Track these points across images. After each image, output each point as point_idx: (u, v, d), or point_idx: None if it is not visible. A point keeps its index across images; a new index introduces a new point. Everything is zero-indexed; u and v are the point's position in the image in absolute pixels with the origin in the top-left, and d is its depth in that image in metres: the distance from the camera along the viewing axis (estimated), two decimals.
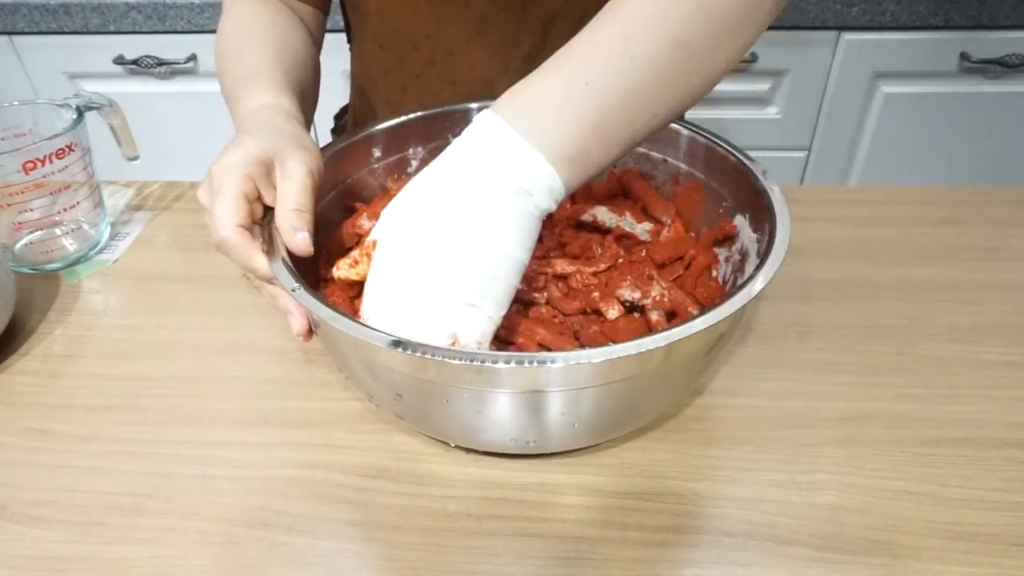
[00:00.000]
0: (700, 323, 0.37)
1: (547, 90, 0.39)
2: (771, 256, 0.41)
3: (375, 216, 0.49)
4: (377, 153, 0.57)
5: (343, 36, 0.80)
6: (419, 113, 0.58)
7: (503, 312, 0.41)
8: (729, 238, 0.51)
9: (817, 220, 0.67)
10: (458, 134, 0.61)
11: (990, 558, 0.40)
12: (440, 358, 0.35)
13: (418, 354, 0.36)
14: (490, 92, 0.61)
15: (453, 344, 0.39)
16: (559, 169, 0.38)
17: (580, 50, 0.39)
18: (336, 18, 0.75)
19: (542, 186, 0.38)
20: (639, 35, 0.38)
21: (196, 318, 0.59)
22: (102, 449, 0.49)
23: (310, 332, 0.44)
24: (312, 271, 0.50)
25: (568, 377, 0.37)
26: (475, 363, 0.35)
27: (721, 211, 0.52)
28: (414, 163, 0.59)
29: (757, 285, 0.39)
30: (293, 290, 0.40)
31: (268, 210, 0.45)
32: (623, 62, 0.38)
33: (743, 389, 0.51)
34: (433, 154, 0.59)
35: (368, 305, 0.41)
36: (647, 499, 0.44)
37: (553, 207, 0.40)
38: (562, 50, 0.40)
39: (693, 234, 0.55)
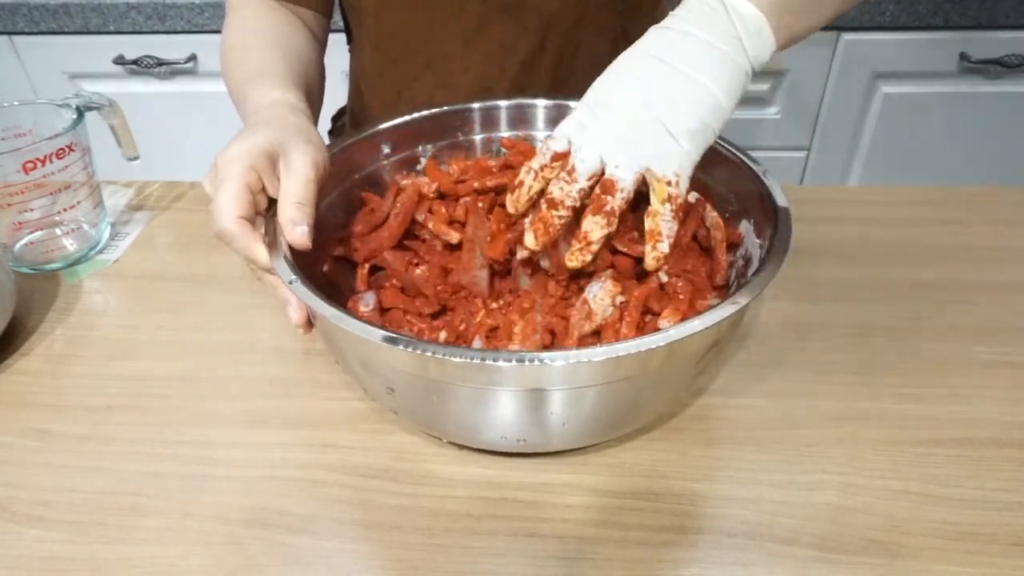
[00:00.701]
0: (700, 323, 0.37)
1: None
2: (772, 258, 0.41)
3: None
4: (386, 150, 0.57)
5: (342, 37, 0.80)
6: (429, 111, 0.58)
7: (701, 153, 0.42)
8: (733, 245, 0.51)
9: (817, 220, 0.67)
10: (467, 132, 0.61)
11: (990, 558, 0.40)
12: (441, 356, 0.36)
13: (416, 351, 0.36)
14: (485, 96, 0.61)
15: (642, 174, 0.41)
16: (769, 17, 0.40)
17: None
18: (337, 19, 0.75)
19: (754, 37, 0.41)
20: None
21: (196, 318, 0.59)
22: (102, 449, 0.49)
23: (309, 324, 0.44)
24: (328, 282, 0.50)
25: (569, 376, 0.37)
26: (475, 360, 0.35)
27: (728, 216, 0.52)
28: (423, 160, 0.59)
29: (757, 286, 0.39)
30: (290, 282, 0.40)
31: (272, 202, 0.45)
32: None
33: (743, 389, 0.51)
34: (442, 152, 0.60)
35: (574, 122, 0.43)
36: (647, 499, 0.44)
37: (765, 57, 0.42)
38: None
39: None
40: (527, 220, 0.45)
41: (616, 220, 0.42)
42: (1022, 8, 1.16)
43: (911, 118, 1.28)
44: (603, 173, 0.42)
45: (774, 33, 0.41)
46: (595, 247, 0.43)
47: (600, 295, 0.44)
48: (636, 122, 0.41)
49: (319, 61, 0.67)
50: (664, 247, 0.42)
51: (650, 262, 0.42)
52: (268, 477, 0.46)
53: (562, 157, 0.43)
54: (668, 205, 0.41)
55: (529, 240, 0.44)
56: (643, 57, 0.42)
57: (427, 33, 0.67)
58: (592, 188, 0.42)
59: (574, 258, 0.43)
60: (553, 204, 0.43)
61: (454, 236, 0.51)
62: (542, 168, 0.43)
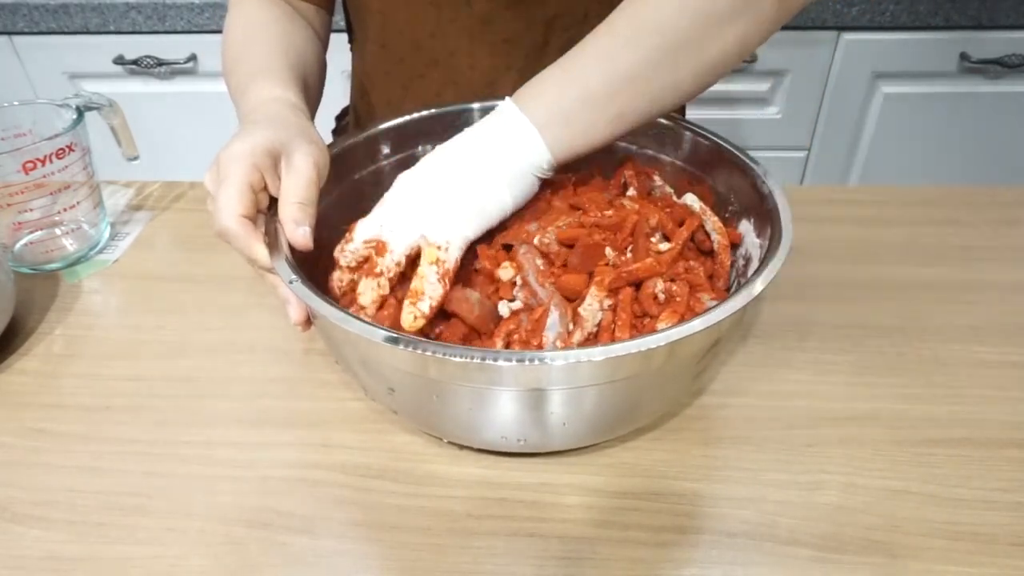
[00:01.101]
0: (700, 323, 0.37)
1: (544, 76, 0.46)
2: (772, 258, 0.41)
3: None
4: (386, 150, 0.57)
5: (344, 36, 0.80)
6: (428, 111, 0.58)
7: (478, 232, 0.45)
8: (734, 245, 0.51)
9: (817, 220, 0.67)
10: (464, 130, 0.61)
11: (990, 558, 0.40)
12: (441, 355, 0.36)
13: (418, 351, 0.36)
14: (492, 92, 0.61)
15: (419, 241, 0.43)
16: (543, 132, 0.45)
17: (576, 48, 0.46)
18: (337, 18, 0.75)
19: (529, 145, 0.45)
20: (622, 34, 0.44)
21: (196, 318, 0.59)
22: (102, 449, 0.49)
23: (308, 323, 0.44)
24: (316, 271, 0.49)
25: (569, 376, 0.37)
26: (474, 360, 0.35)
27: (728, 215, 0.52)
28: None
29: (757, 286, 0.39)
30: (290, 282, 0.41)
31: (274, 200, 0.45)
32: (605, 54, 0.45)
33: (743, 389, 0.51)
34: None
35: (377, 214, 0.45)
36: (647, 499, 0.44)
37: (540, 164, 0.46)
38: (570, 50, 0.46)
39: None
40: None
41: (387, 281, 0.44)
42: (1022, 8, 1.16)
43: (911, 118, 1.28)
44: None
45: (548, 146, 0.45)
46: (370, 309, 0.44)
47: (588, 301, 0.44)
48: (419, 202, 0.44)
49: (320, 57, 0.67)
50: (424, 306, 0.42)
51: (407, 319, 0.42)
52: (268, 477, 0.46)
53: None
54: (435, 267, 0.43)
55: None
56: (436, 166, 0.46)
57: (433, 29, 0.67)
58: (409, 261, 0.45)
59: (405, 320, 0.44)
60: (338, 266, 0.45)
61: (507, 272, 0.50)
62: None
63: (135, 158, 0.71)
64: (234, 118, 0.55)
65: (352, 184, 0.56)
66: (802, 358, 0.53)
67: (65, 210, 0.63)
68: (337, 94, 0.85)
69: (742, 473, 0.46)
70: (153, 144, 1.03)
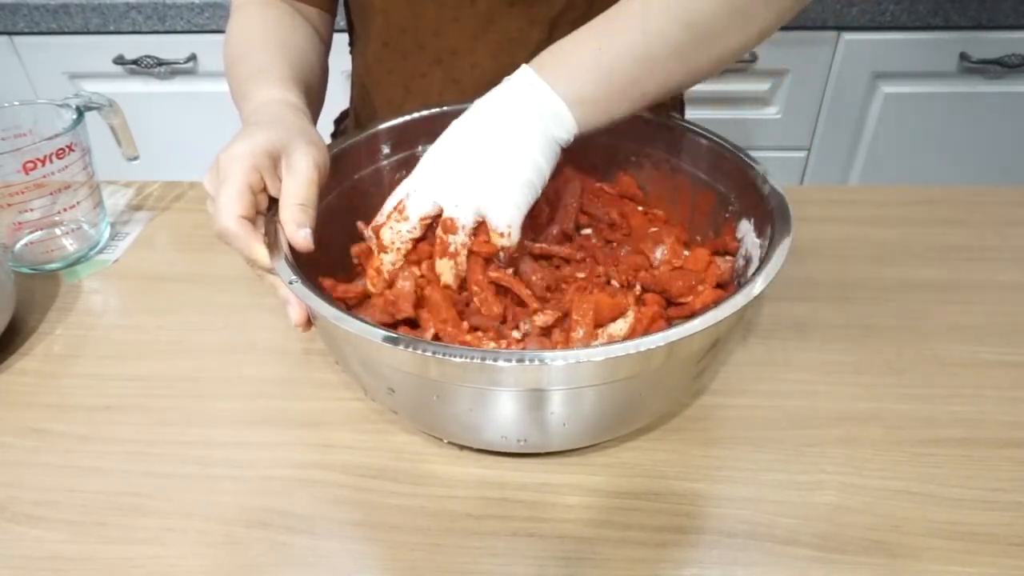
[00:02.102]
0: (700, 323, 0.37)
1: (569, 49, 0.47)
2: (772, 258, 0.41)
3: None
4: (385, 150, 0.57)
5: (344, 37, 0.80)
6: (428, 111, 0.58)
7: (526, 210, 0.45)
8: (730, 252, 0.51)
9: (817, 220, 0.67)
10: None
11: (990, 558, 0.40)
12: (441, 355, 0.36)
13: (418, 351, 0.36)
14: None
15: (479, 224, 0.44)
16: (571, 108, 0.45)
17: (602, 22, 0.47)
18: (338, 19, 0.75)
19: (558, 119, 0.45)
20: (654, 13, 0.45)
21: (196, 318, 0.59)
22: (102, 449, 0.49)
23: (308, 323, 0.44)
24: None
25: (569, 376, 0.37)
26: (475, 360, 0.35)
27: (727, 215, 0.52)
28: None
29: (757, 286, 0.39)
30: (291, 283, 0.41)
31: (273, 201, 0.45)
32: (635, 36, 0.45)
33: (743, 389, 0.51)
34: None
35: (416, 182, 0.46)
36: (647, 499, 0.44)
37: (567, 138, 0.46)
38: (594, 20, 0.47)
39: (699, 237, 0.55)
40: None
41: (463, 260, 0.45)
42: (1022, 8, 1.16)
43: (911, 118, 1.28)
44: (440, 215, 0.45)
45: (576, 121, 0.46)
46: (453, 286, 0.46)
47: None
48: (473, 172, 0.45)
49: (323, 60, 0.67)
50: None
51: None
52: (268, 477, 0.46)
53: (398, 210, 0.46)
54: (502, 255, 0.45)
55: (370, 287, 0.47)
56: (471, 134, 0.46)
57: (436, 27, 0.67)
58: (427, 230, 0.46)
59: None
60: (383, 248, 0.46)
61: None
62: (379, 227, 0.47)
63: (135, 158, 0.71)
64: (234, 118, 0.55)
65: (352, 184, 0.56)
66: (802, 358, 0.53)
67: (65, 210, 0.63)
68: (337, 96, 0.85)
69: (742, 473, 0.46)
70: (153, 144, 1.03)
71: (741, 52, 0.47)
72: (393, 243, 0.46)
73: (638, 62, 0.45)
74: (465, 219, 0.44)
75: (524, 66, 0.47)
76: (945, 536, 0.42)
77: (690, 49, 0.45)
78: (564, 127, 0.46)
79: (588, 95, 0.46)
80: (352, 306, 0.50)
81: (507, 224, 0.44)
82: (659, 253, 0.52)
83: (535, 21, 0.66)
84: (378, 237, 0.47)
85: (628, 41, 0.45)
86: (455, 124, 0.47)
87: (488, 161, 0.45)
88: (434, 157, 0.47)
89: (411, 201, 0.46)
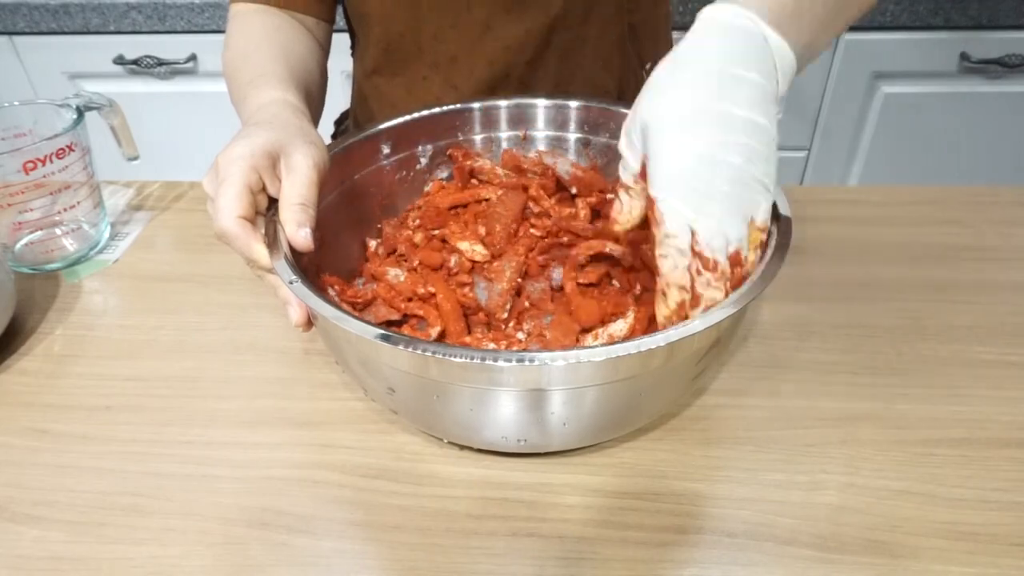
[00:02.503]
0: (700, 323, 0.37)
1: None
2: (772, 258, 0.41)
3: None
4: (386, 150, 0.57)
5: (345, 36, 0.80)
6: (428, 111, 0.58)
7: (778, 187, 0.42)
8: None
9: (817, 220, 0.67)
10: (466, 132, 0.62)
11: (990, 558, 0.40)
12: (441, 355, 0.36)
13: (418, 351, 0.36)
14: (492, 96, 0.61)
15: (750, 225, 0.40)
16: (798, 57, 0.41)
17: None
18: (339, 22, 0.75)
19: (787, 73, 0.41)
20: None
21: (196, 318, 0.59)
22: (102, 449, 0.49)
23: (309, 323, 0.44)
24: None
25: (569, 376, 0.37)
26: (475, 360, 0.35)
27: None
28: (423, 160, 0.59)
29: (757, 286, 0.39)
30: (291, 283, 0.41)
31: (273, 202, 0.45)
32: None
33: (743, 389, 0.51)
34: (441, 152, 0.60)
35: (668, 197, 0.40)
36: (647, 499, 0.44)
37: (785, 90, 0.42)
38: None
39: None
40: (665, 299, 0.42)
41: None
42: (1022, 8, 1.16)
43: (911, 118, 1.28)
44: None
45: (797, 70, 0.42)
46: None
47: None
48: (736, 193, 0.39)
49: (322, 66, 0.67)
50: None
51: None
52: (268, 477, 0.46)
53: (698, 254, 0.40)
54: (757, 251, 0.41)
55: (661, 316, 0.42)
56: (711, 111, 0.39)
57: (435, 34, 0.67)
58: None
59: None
60: (696, 302, 0.41)
61: (479, 254, 0.53)
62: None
63: (135, 158, 0.71)
64: (235, 118, 0.55)
65: (352, 184, 0.56)
66: (802, 358, 0.53)
67: (65, 210, 0.63)
68: (338, 98, 0.85)
69: (742, 473, 0.45)
70: (153, 144, 1.03)
71: None
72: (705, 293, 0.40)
73: None
74: (745, 251, 0.40)
75: (737, 8, 0.40)
76: (945, 536, 0.42)
77: None
78: (789, 77, 0.42)
79: (810, 40, 0.42)
80: (360, 308, 0.51)
81: (765, 221, 0.41)
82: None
83: (531, 28, 0.66)
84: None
85: None
86: (690, 107, 0.40)
87: (748, 166, 0.39)
88: (686, 173, 0.39)
89: (708, 250, 0.39)
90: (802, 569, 0.40)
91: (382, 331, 0.37)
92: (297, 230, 0.43)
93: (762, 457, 0.46)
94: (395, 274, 0.52)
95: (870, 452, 0.46)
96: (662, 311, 0.41)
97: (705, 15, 0.41)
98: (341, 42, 0.80)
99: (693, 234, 0.39)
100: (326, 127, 0.88)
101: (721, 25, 0.41)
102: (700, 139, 0.39)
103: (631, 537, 0.42)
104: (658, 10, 0.73)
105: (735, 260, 0.40)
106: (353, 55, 0.79)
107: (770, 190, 0.41)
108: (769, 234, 0.44)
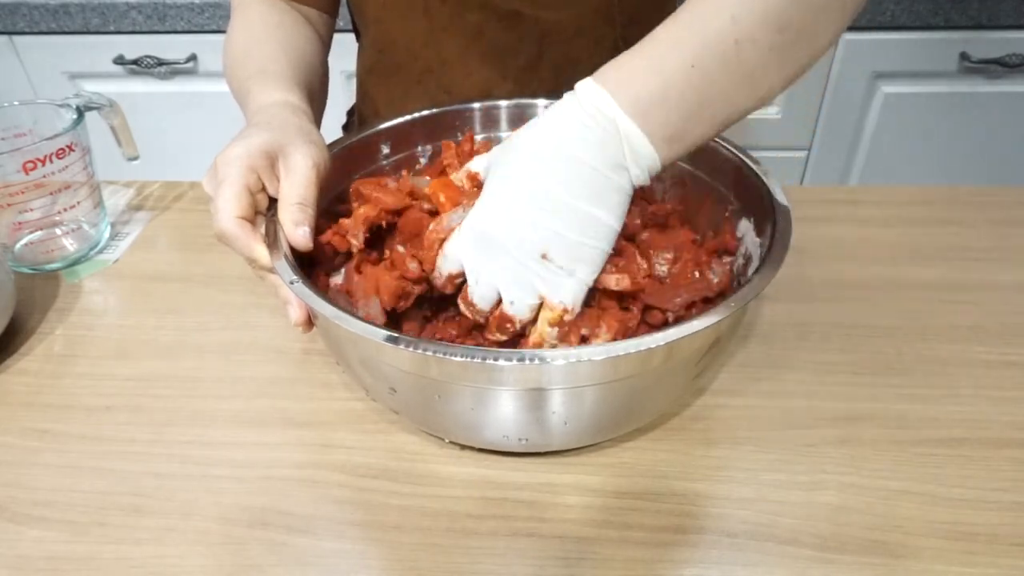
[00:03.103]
0: (700, 323, 0.37)
1: (652, 68, 0.38)
2: (772, 258, 0.41)
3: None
4: (385, 150, 0.57)
5: (350, 36, 0.80)
6: (427, 111, 0.58)
7: (595, 276, 0.41)
8: (729, 251, 0.51)
9: (817, 220, 0.67)
10: (465, 132, 0.61)
11: (990, 558, 0.40)
12: (441, 355, 0.36)
13: (418, 351, 0.36)
14: (487, 96, 0.61)
15: (540, 304, 0.40)
16: (658, 148, 0.39)
17: (682, 30, 0.39)
18: (347, 17, 0.75)
19: (642, 164, 0.39)
20: (743, 18, 0.37)
21: (196, 318, 0.59)
22: (102, 449, 0.49)
23: (309, 323, 0.44)
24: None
25: (569, 375, 0.37)
26: (476, 360, 0.35)
27: (727, 214, 0.52)
28: (422, 160, 0.59)
29: (757, 286, 0.39)
30: (291, 283, 0.41)
31: (273, 202, 0.45)
32: (727, 46, 0.37)
33: (743, 389, 0.51)
34: (441, 152, 0.59)
35: (459, 246, 0.42)
36: (647, 499, 0.44)
37: (646, 181, 0.40)
38: (661, 28, 0.39)
39: (699, 237, 0.55)
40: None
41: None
42: (1022, 8, 1.16)
43: (911, 118, 1.28)
44: (499, 303, 0.42)
45: (661, 163, 0.39)
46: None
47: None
48: (529, 262, 0.39)
49: (323, 60, 0.67)
50: None
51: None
52: (268, 477, 0.46)
53: (458, 281, 0.43)
54: (556, 329, 0.41)
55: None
56: (529, 187, 0.39)
57: (427, 38, 0.67)
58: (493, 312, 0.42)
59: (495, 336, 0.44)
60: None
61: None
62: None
63: (135, 158, 0.71)
64: (235, 118, 0.55)
65: (355, 182, 0.55)
66: (802, 358, 0.53)
67: (65, 210, 0.63)
68: (343, 95, 0.85)
69: (742, 473, 0.46)
70: (153, 144, 1.03)
71: (826, 50, 0.41)
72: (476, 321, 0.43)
73: (733, 76, 0.38)
74: (521, 314, 0.41)
75: (592, 85, 0.39)
76: (945, 536, 0.42)
77: (785, 54, 0.38)
78: (648, 172, 0.40)
79: (681, 128, 0.39)
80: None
81: (571, 301, 0.40)
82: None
83: (523, 37, 0.66)
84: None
85: (720, 53, 0.37)
86: (512, 176, 0.40)
87: (548, 246, 0.39)
88: (489, 229, 0.40)
89: (477, 296, 0.42)
90: (802, 569, 0.40)
91: (384, 331, 0.37)
92: (295, 228, 0.43)
93: (762, 457, 0.46)
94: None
95: (870, 452, 0.46)
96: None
97: (559, 103, 0.41)
98: (346, 40, 0.80)
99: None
100: (337, 121, 0.88)
101: (569, 108, 0.40)
102: (510, 211, 0.40)
103: (631, 537, 0.42)
104: (650, 23, 0.72)
105: (506, 319, 0.41)
106: (358, 51, 0.79)
107: (579, 277, 0.40)
108: (771, 234, 0.44)
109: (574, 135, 0.39)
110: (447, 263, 0.43)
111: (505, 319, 0.41)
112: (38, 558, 0.42)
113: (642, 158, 0.39)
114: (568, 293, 0.40)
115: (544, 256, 0.39)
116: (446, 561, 0.41)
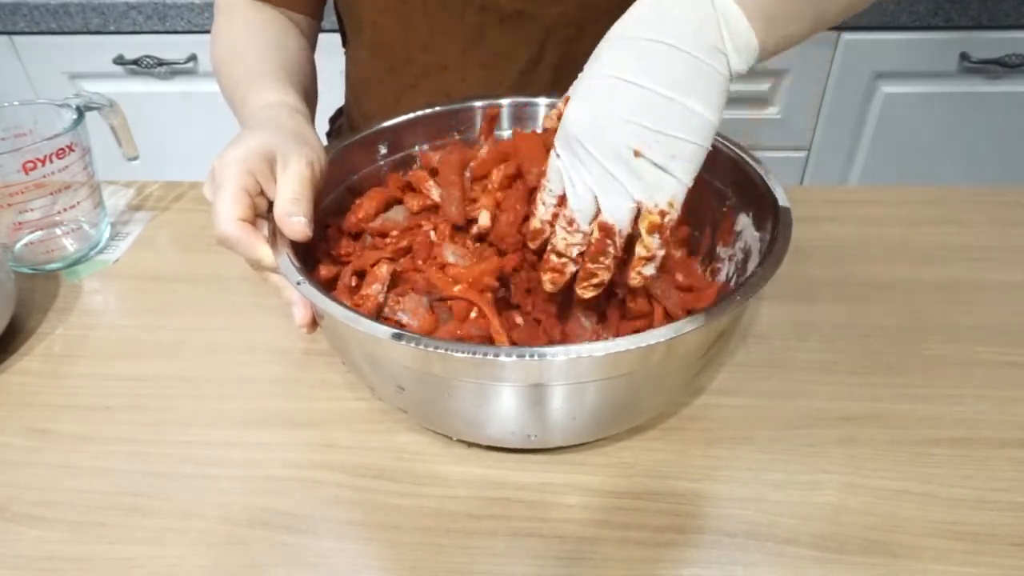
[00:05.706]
0: (701, 320, 0.37)
1: None
2: (772, 258, 0.41)
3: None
4: (383, 150, 0.57)
5: (337, 36, 0.79)
6: (425, 111, 0.58)
7: (693, 176, 0.39)
8: (727, 244, 0.51)
9: (817, 220, 0.67)
10: (463, 132, 0.61)
11: (990, 558, 0.40)
12: (444, 351, 0.36)
13: (421, 347, 0.36)
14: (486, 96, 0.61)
15: (637, 207, 0.39)
16: (756, 27, 0.37)
17: None
18: (331, 18, 0.75)
19: (739, 44, 0.38)
20: None
21: (196, 318, 0.59)
22: (102, 449, 0.49)
23: (313, 324, 0.44)
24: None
25: (570, 371, 0.37)
26: (477, 356, 0.35)
27: (725, 209, 0.52)
28: (420, 160, 0.59)
29: (757, 286, 0.39)
30: (298, 283, 0.41)
31: (272, 204, 0.45)
32: None
33: (743, 389, 0.51)
34: (438, 151, 0.59)
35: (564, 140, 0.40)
36: (647, 499, 0.44)
37: (744, 69, 0.39)
38: None
39: (697, 233, 0.55)
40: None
41: (616, 261, 0.41)
42: (1022, 8, 1.16)
43: (911, 118, 1.28)
44: (598, 212, 0.40)
45: (759, 48, 0.38)
46: (601, 284, 0.42)
47: None
48: (626, 159, 0.38)
49: (311, 61, 0.67)
50: (649, 270, 0.41)
51: (634, 279, 0.41)
52: (268, 477, 0.46)
53: (562, 200, 0.41)
54: (657, 235, 0.39)
55: (547, 285, 0.43)
56: (625, 79, 0.38)
57: (426, 41, 0.67)
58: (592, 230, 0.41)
59: (585, 292, 0.42)
60: (559, 254, 0.42)
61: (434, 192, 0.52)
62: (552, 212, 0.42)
63: (135, 158, 0.71)
64: (235, 118, 0.55)
65: (352, 184, 0.56)
66: (802, 358, 0.53)
67: (65, 210, 0.63)
68: (332, 95, 0.85)
69: (742, 473, 0.46)
70: (153, 144, 1.03)
71: None
72: (568, 252, 0.41)
73: None
74: (621, 223, 0.39)
75: None
76: (945, 536, 0.42)
77: None
78: (745, 62, 0.38)
79: (775, 10, 0.38)
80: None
81: (667, 203, 0.38)
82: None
83: (524, 38, 0.66)
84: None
85: None
86: (606, 67, 0.38)
87: (644, 140, 0.37)
88: (582, 130, 0.38)
89: (575, 208, 0.40)
90: (802, 569, 0.40)
91: (390, 329, 0.37)
92: (288, 218, 0.43)
93: (762, 457, 0.46)
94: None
95: (870, 452, 0.46)
96: (544, 276, 0.43)
97: None
98: (335, 41, 0.80)
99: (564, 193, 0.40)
100: (320, 125, 0.88)
101: None
102: (596, 108, 0.38)
103: (631, 537, 0.42)
104: None
105: (605, 229, 0.39)
106: (346, 53, 0.78)
107: (675, 176, 0.38)
108: (772, 232, 0.44)
109: (669, 16, 0.37)
110: (551, 182, 0.41)
111: (607, 230, 0.39)
112: (38, 558, 0.42)
113: (739, 36, 0.37)
114: (663, 194, 0.38)
115: (637, 153, 0.37)
116: (446, 561, 0.41)
